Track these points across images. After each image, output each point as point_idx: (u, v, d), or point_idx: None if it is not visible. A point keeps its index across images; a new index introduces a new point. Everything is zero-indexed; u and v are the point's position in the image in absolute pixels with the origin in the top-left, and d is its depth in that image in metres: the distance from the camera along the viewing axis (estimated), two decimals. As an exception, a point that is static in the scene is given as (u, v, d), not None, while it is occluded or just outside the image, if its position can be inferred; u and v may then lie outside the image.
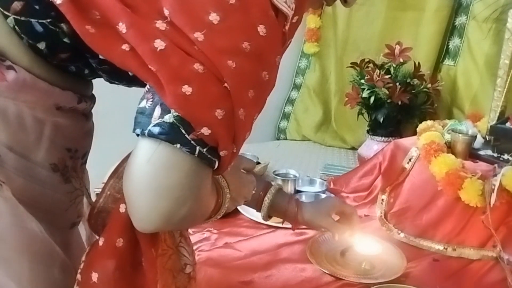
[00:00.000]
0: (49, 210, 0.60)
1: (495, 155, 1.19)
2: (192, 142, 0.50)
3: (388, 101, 1.62)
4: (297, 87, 2.26)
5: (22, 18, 0.54)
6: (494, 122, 1.24)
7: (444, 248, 1.10)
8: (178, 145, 0.50)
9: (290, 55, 2.23)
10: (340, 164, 1.80)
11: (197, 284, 0.77)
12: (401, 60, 1.65)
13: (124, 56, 0.52)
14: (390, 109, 1.63)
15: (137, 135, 0.52)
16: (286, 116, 2.27)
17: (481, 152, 1.21)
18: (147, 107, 0.52)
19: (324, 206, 1.00)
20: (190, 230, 1.15)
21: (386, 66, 1.68)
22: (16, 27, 0.54)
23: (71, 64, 0.59)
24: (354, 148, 1.97)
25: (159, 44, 0.51)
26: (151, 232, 0.57)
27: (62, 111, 0.59)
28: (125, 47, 0.52)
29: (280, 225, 1.20)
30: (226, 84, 0.51)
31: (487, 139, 1.25)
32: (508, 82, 1.22)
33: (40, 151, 0.59)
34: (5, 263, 0.56)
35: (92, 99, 0.67)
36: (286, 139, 2.23)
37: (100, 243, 0.59)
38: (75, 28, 0.52)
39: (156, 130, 0.50)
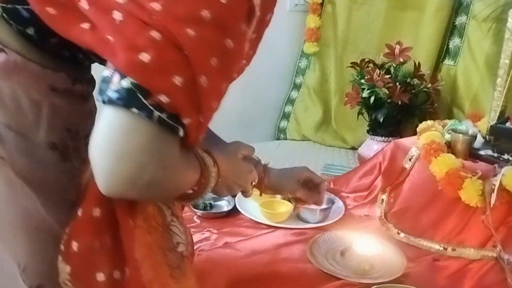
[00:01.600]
0: (50, 188, 0.61)
1: (495, 155, 1.19)
2: (150, 107, 0.51)
3: (388, 101, 1.62)
4: (297, 87, 2.26)
5: (9, 6, 0.57)
6: (494, 122, 1.24)
7: (444, 248, 1.10)
8: (135, 110, 0.51)
9: (290, 55, 2.23)
10: (340, 164, 1.80)
11: (195, 273, 0.78)
12: (401, 60, 1.64)
13: (82, 33, 0.54)
14: (390, 109, 1.63)
15: (103, 102, 0.53)
16: (286, 116, 2.27)
17: (481, 152, 1.21)
18: (109, 75, 0.53)
19: (292, 171, 1.01)
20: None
21: (386, 66, 1.68)
22: (4, 14, 0.57)
23: (63, 48, 0.60)
24: (354, 148, 1.97)
25: (117, 15, 0.52)
26: (117, 197, 0.58)
27: (57, 93, 0.60)
28: (85, 25, 0.54)
29: (280, 225, 1.20)
30: (185, 52, 0.52)
31: (487, 139, 1.25)
32: (508, 82, 1.21)
33: (40, 131, 0.60)
34: (2, 237, 0.58)
35: (91, 82, 0.67)
36: (286, 139, 2.23)
37: (79, 213, 0.60)
38: (34, 10, 0.55)
39: (114, 96, 0.51)
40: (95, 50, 0.54)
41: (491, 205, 1.03)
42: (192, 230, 1.15)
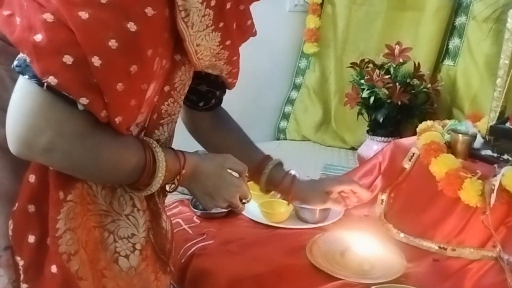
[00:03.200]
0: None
1: (495, 155, 1.19)
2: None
3: (388, 101, 1.62)
4: (296, 87, 2.26)
5: None
6: (494, 122, 1.24)
7: (444, 248, 1.10)
8: (27, 76, 0.57)
9: (289, 55, 2.24)
10: (340, 164, 1.80)
11: (192, 276, 0.77)
12: (401, 60, 1.64)
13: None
14: (390, 109, 1.63)
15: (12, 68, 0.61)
16: (285, 116, 2.27)
17: (481, 152, 1.21)
18: None
19: (321, 184, 1.04)
20: (186, 228, 1.16)
21: (386, 66, 1.68)
22: None
23: None
24: (354, 148, 1.97)
25: (24, 1, 0.59)
26: (25, 158, 0.62)
27: None
28: (5, 12, 0.61)
29: (280, 225, 1.20)
30: (75, 32, 0.56)
31: (487, 139, 1.25)
32: (508, 82, 1.21)
33: None
34: None
35: None
36: (286, 139, 2.23)
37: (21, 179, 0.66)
38: None
39: (15, 63, 0.59)
40: (2, 31, 0.61)
41: (491, 205, 1.02)
42: (192, 230, 1.16)
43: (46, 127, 0.58)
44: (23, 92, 0.58)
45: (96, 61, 0.57)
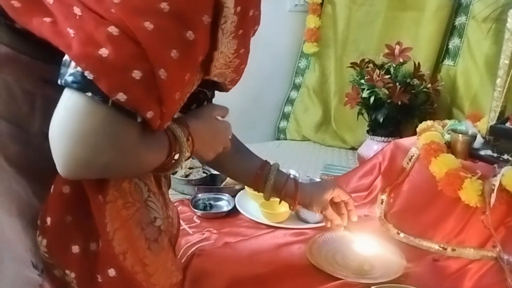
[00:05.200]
0: (44, 174, 0.63)
1: (495, 155, 1.18)
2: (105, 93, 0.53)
3: (388, 101, 1.62)
4: (296, 87, 2.26)
5: None
6: (494, 122, 1.24)
7: (443, 248, 1.10)
8: (90, 93, 0.52)
9: (289, 55, 2.24)
10: (340, 164, 1.80)
11: (192, 276, 0.77)
12: (401, 60, 1.65)
13: (41, 25, 0.56)
14: (390, 109, 1.63)
15: (60, 84, 0.55)
16: (285, 116, 2.27)
17: (481, 152, 1.21)
18: (68, 59, 0.55)
19: (322, 187, 1.04)
20: (186, 228, 1.16)
21: (386, 66, 1.68)
22: None
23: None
24: (354, 148, 1.97)
25: (77, 10, 0.55)
26: (76, 178, 0.59)
27: (51, 84, 0.61)
28: (46, 19, 0.56)
29: (280, 225, 1.20)
30: (143, 45, 0.53)
31: (487, 139, 1.25)
32: (508, 82, 1.21)
33: (35, 121, 0.62)
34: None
35: None
36: (286, 139, 2.23)
37: (51, 190, 0.63)
38: (0, 3, 0.58)
39: (70, 79, 0.53)
40: (52, 42, 0.56)
41: (491, 205, 1.02)
42: (192, 230, 1.16)
43: (108, 145, 0.55)
44: (80, 110, 0.53)
45: (162, 73, 0.55)
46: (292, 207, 1.03)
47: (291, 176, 1.03)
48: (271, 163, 1.00)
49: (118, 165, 0.58)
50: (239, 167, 0.98)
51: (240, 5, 0.62)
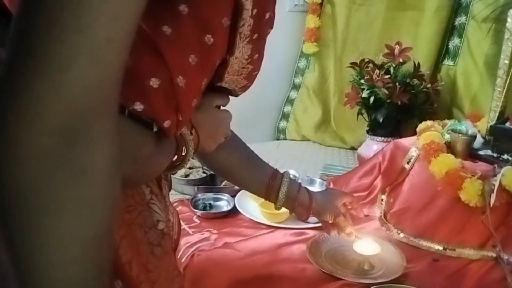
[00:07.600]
0: None
1: (495, 155, 1.19)
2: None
3: (388, 101, 1.61)
4: (296, 87, 2.26)
5: None
6: (493, 122, 1.24)
7: (443, 248, 1.10)
8: None
9: (289, 55, 2.23)
10: (339, 164, 1.80)
11: (192, 276, 0.76)
12: (401, 60, 1.64)
13: None
14: (390, 109, 1.63)
15: None
16: (285, 116, 2.27)
17: (481, 152, 1.21)
18: None
19: (333, 194, 1.03)
20: (186, 228, 1.16)
21: (385, 66, 1.68)
22: None
23: None
24: (353, 148, 1.97)
25: None
26: None
27: None
28: None
29: (280, 225, 1.20)
30: (161, 52, 0.51)
31: (487, 139, 1.25)
32: (507, 82, 1.22)
33: None
34: None
35: None
36: (286, 139, 2.23)
37: None
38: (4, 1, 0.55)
39: None
40: None
41: (491, 205, 1.03)
42: (192, 230, 1.16)
43: (122, 158, 0.51)
44: None
45: (181, 81, 0.53)
46: (303, 218, 1.00)
47: (292, 177, 1.02)
48: (282, 172, 0.97)
49: (135, 177, 0.57)
50: (251, 177, 0.95)
51: (257, 7, 0.59)
